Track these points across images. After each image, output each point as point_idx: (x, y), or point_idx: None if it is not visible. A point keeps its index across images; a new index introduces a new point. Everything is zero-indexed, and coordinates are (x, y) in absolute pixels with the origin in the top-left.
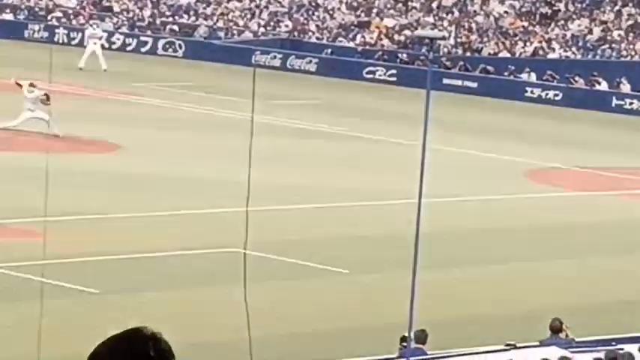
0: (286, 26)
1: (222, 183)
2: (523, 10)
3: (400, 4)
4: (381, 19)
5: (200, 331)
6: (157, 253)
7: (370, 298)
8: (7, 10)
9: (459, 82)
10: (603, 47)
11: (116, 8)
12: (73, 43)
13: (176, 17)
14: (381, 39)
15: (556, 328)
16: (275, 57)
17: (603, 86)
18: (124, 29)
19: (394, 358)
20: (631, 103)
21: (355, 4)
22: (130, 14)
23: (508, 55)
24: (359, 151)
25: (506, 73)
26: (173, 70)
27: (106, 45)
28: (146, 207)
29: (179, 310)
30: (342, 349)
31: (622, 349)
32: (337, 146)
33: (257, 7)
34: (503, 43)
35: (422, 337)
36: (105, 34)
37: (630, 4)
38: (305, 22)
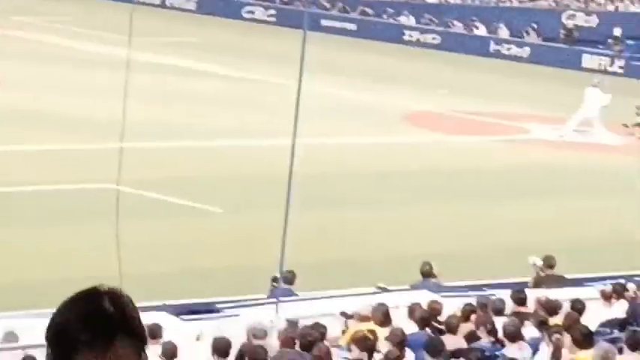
0: None
1: (96, 120)
2: None
3: None
4: None
5: (70, 267)
6: (27, 187)
7: (243, 238)
8: None
9: (337, 24)
10: None
11: None
12: None
13: None
14: None
15: (427, 273)
16: None
17: (481, 31)
18: None
19: (264, 298)
20: (509, 49)
21: None
22: None
23: None
24: (234, 90)
25: (385, 16)
26: (53, 4)
27: None
28: (17, 140)
29: (48, 246)
30: (212, 288)
31: (493, 294)
32: (213, 85)
33: None
34: None
35: (290, 278)
36: None
37: None
38: None
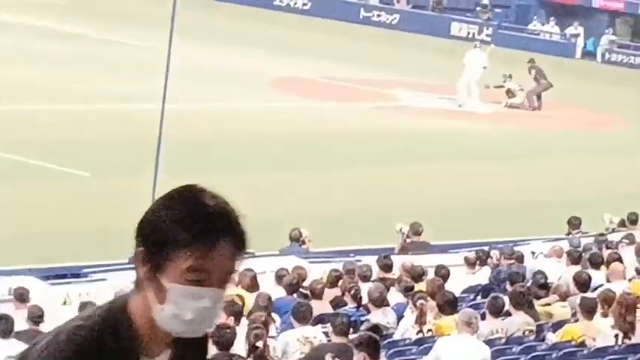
0: None
1: None
2: None
3: None
4: None
5: None
6: None
7: (110, 202)
8: None
9: None
10: None
11: None
12: None
13: None
14: None
15: (295, 237)
16: None
17: None
18: None
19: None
20: (379, 15)
21: None
22: None
23: None
24: (101, 53)
25: None
26: None
27: None
28: None
29: None
30: (79, 253)
31: (360, 260)
32: (81, 47)
33: None
34: None
35: None
36: None
37: None
38: None
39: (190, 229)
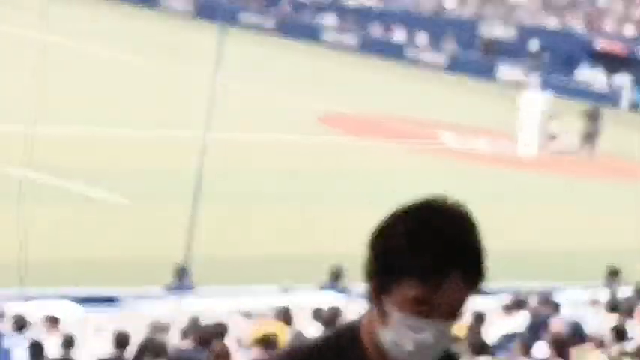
0: None
1: (6, 100)
2: None
3: None
4: None
5: None
6: None
7: (148, 229)
8: None
9: (256, 20)
10: None
11: None
12: None
13: None
14: None
15: (336, 274)
16: None
17: (399, 37)
18: None
19: (167, 292)
20: (426, 55)
21: None
22: None
23: None
24: (146, 81)
25: (305, 15)
26: None
27: None
28: None
29: None
30: (115, 279)
31: None
32: (124, 74)
33: None
34: None
35: (188, 272)
36: None
37: None
38: None
39: (420, 256)
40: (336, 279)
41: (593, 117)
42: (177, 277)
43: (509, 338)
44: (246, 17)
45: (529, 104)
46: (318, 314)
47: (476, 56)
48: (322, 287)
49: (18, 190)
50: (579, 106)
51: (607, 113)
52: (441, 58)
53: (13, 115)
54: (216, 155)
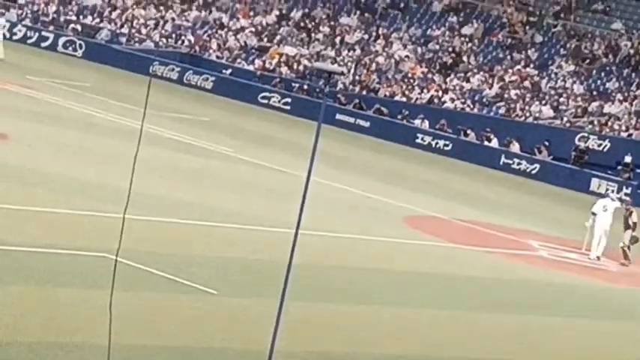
0: (188, 41)
1: (102, 187)
2: (425, 57)
3: (304, 35)
4: (283, 46)
5: (58, 331)
6: (22, 248)
7: (234, 321)
8: None
9: (351, 120)
10: (499, 104)
11: (21, 0)
12: None
13: (80, 17)
14: (280, 66)
15: None
16: (173, 69)
17: (494, 143)
18: (27, 22)
19: None
20: (519, 163)
21: (260, 28)
22: (36, 8)
23: (404, 99)
24: (241, 174)
25: (399, 117)
26: (70, 68)
27: (7, 35)
28: (21, 200)
29: (36, 307)
30: None
31: None
32: (220, 166)
33: (162, 17)
34: (401, 86)
35: None
36: (7, 24)
37: (531, 66)
38: (207, 39)
39: None
40: None
41: None
42: None
43: None
44: (342, 117)
45: (604, 211)
46: None
47: (568, 167)
48: None
49: (108, 275)
50: None
51: None
52: (534, 168)
53: (106, 201)
54: (307, 251)
